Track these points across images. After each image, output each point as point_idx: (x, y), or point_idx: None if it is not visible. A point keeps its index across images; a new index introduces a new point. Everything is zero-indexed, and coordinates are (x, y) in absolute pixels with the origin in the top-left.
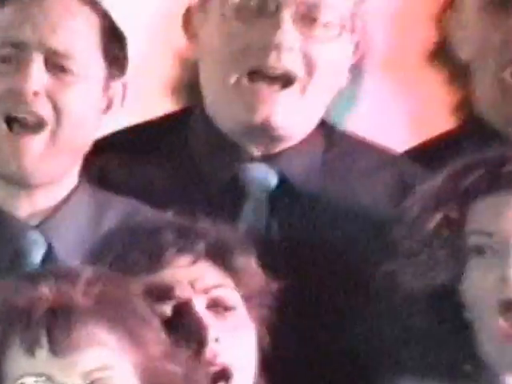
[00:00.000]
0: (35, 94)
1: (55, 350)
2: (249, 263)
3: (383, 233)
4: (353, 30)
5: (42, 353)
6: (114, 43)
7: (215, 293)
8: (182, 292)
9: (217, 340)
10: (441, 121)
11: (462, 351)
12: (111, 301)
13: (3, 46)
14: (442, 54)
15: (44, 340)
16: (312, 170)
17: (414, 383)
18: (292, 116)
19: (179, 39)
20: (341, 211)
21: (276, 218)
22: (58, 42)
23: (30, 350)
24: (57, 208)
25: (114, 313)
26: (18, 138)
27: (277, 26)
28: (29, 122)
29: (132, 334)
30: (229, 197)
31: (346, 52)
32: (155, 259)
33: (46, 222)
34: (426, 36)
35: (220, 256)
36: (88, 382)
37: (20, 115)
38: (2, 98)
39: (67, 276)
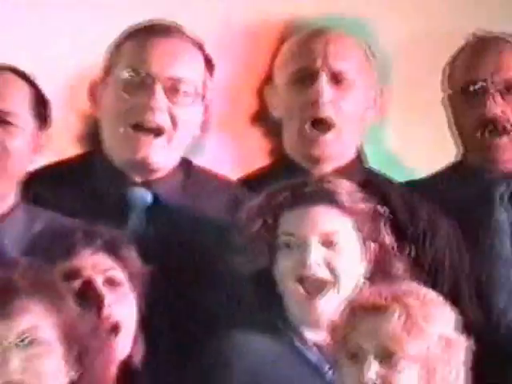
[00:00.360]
0: None
1: None
2: (131, 254)
3: (224, 235)
4: (203, 97)
5: None
6: (41, 105)
7: (109, 273)
8: (87, 273)
9: (110, 305)
10: (260, 160)
11: (276, 313)
12: (40, 281)
13: None
14: (262, 115)
15: None
16: (176, 191)
17: (242, 336)
18: (161, 156)
19: (85, 103)
20: (196, 220)
21: (151, 225)
22: (4, 106)
23: None
24: (3, 217)
25: (42, 289)
26: None
27: (151, 94)
28: None
29: (53, 304)
30: (119, 210)
31: (198, 113)
32: (68, 251)
33: None
34: (250, 103)
35: (112, 249)
36: (22, 338)
37: None
38: None
39: (9, 264)
